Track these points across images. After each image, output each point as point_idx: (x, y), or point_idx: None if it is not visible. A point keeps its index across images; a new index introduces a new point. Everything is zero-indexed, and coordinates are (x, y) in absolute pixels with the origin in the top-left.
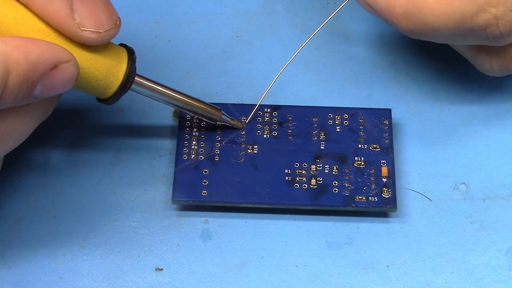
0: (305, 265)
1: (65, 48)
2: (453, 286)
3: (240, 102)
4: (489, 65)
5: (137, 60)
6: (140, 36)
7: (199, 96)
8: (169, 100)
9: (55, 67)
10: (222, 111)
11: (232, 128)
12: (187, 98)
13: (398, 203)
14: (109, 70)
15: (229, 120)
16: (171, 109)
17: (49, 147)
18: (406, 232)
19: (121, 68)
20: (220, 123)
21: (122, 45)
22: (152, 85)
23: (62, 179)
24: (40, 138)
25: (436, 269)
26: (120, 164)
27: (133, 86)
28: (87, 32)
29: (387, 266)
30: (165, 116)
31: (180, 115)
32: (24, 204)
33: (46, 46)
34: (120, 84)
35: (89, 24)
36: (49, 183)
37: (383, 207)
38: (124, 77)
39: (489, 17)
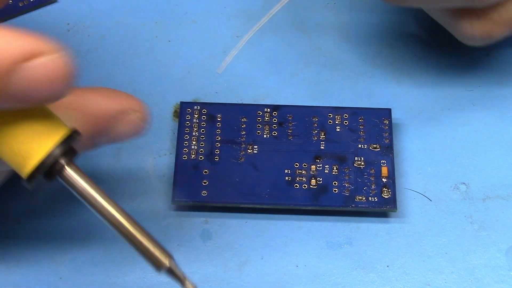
0: (305, 265)
1: (43, 40)
2: (453, 286)
3: (240, 102)
4: (470, 31)
5: (137, 60)
6: (140, 36)
7: (199, 96)
8: (102, 218)
9: (30, 58)
10: (173, 261)
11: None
12: (130, 227)
13: (398, 203)
14: (29, 141)
15: (179, 274)
16: (171, 109)
17: None
18: (406, 232)
19: (47, 143)
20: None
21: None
22: (83, 186)
23: None
24: None
25: (436, 269)
26: (120, 164)
27: (61, 179)
28: None
29: (387, 266)
30: (165, 116)
31: (180, 115)
32: (24, 204)
33: (15, 35)
34: (36, 166)
35: None
36: (48, 183)
37: (383, 207)
38: (44, 158)
39: None
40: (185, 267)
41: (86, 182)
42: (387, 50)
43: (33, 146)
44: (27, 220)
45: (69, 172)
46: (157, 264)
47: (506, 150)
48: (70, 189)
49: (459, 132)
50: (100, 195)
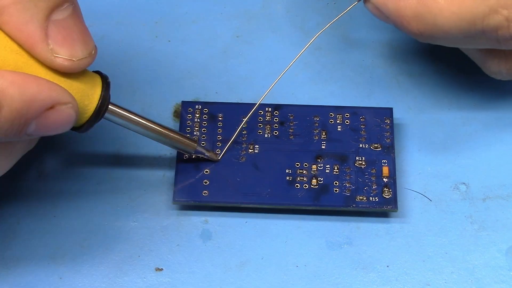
0: (305, 265)
1: (65, 89)
2: (453, 286)
3: (240, 102)
4: (497, 68)
5: (137, 60)
6: (140, 36)
7: (199, 96)
8: (143, 131)
9: (52, 107)
10: (198, 143)
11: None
12: (162, 129)
13: (398, 203)
14: (83, 93)
15: (205, 151)
16: (172, 109)
17: (49, 146)
18: (406, 232)
19: (96, 91)
20: (195, 155)
21: (96, 72)
22: (126, 113)
23: (62, 179)
24: (40, 138)
25: (436, 269)
26: (120, 164)
27: (107, 114)
28: (60, 59)
29: (387, 266)
30: (166, 116)
31: (181, 114)
32: (24, 204)
33: (45, 85)
34: (96, 107)
35: (62, 51)
36: (48, 183)
37: (384, 207)
38: (99, 100)
39: (501, 19)
40: (185, 267)
41: (127, 110)
42: (387, 50)
43: (88, 92)
44: (27, 220)
45: (113, 106)
46: (189, 149)
47: (506, 150)
48: (117, 118)
49: (459, 132)
50: (139, 117)
